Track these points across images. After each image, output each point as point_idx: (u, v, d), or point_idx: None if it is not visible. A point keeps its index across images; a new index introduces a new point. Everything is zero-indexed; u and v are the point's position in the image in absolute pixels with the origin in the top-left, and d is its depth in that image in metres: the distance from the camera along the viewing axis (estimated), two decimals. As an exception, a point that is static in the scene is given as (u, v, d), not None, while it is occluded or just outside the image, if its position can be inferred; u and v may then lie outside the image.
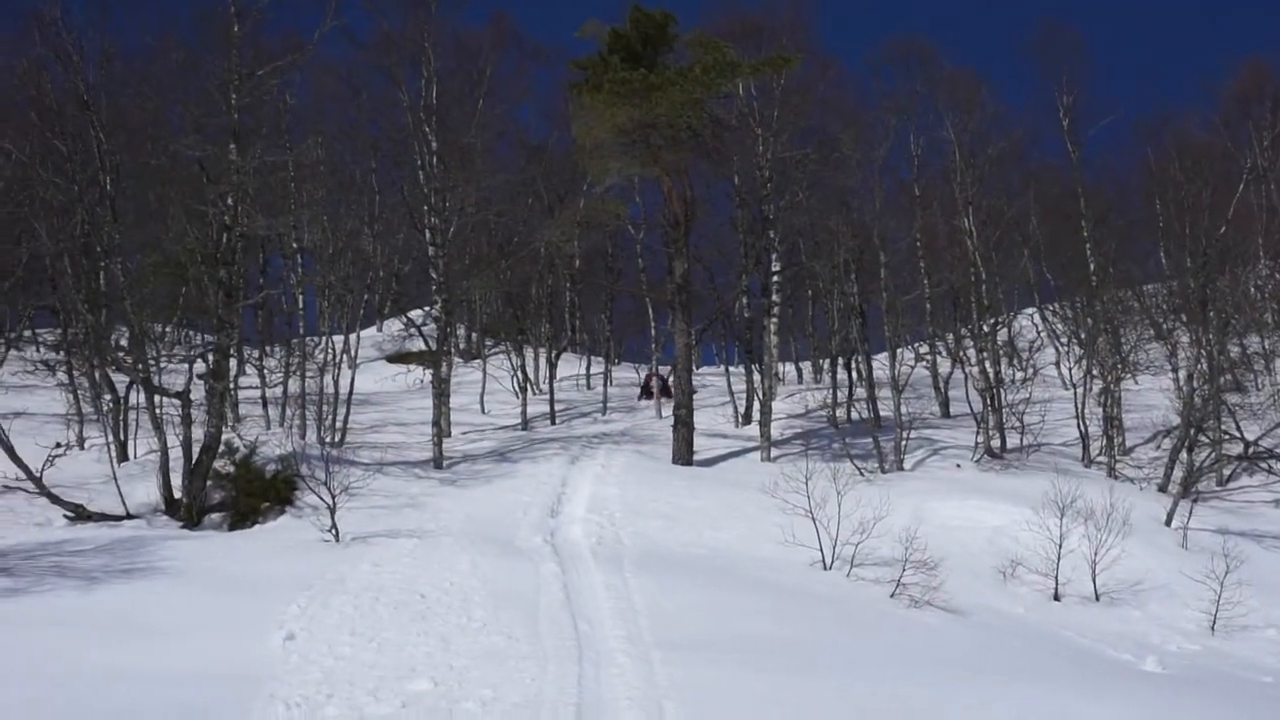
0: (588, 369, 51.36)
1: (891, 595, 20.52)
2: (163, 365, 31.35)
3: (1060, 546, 22.37)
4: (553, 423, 40.03)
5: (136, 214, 37.25)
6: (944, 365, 41.29)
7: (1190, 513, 26.13)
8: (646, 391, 44.84)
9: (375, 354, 53.70)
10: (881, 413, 36.23)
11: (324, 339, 38.66)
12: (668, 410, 37.07)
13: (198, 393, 27.78)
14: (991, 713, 13.42)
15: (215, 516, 26.17)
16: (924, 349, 40.20)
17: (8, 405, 31.56)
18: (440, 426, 32.70)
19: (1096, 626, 20.75)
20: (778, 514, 23.55)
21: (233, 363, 34.34)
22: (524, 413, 39.66)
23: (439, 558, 20.74)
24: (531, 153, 50.72)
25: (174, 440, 26.48)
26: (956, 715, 13.21)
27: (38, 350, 41.99)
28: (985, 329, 38.66)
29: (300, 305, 43.34)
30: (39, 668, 13.49)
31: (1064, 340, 46.21)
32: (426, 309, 44.27)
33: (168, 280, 32.71)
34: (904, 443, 31.91)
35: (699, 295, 40.58)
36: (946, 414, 38.83)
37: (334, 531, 22.24)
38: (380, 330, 57.96)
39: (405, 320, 41.73)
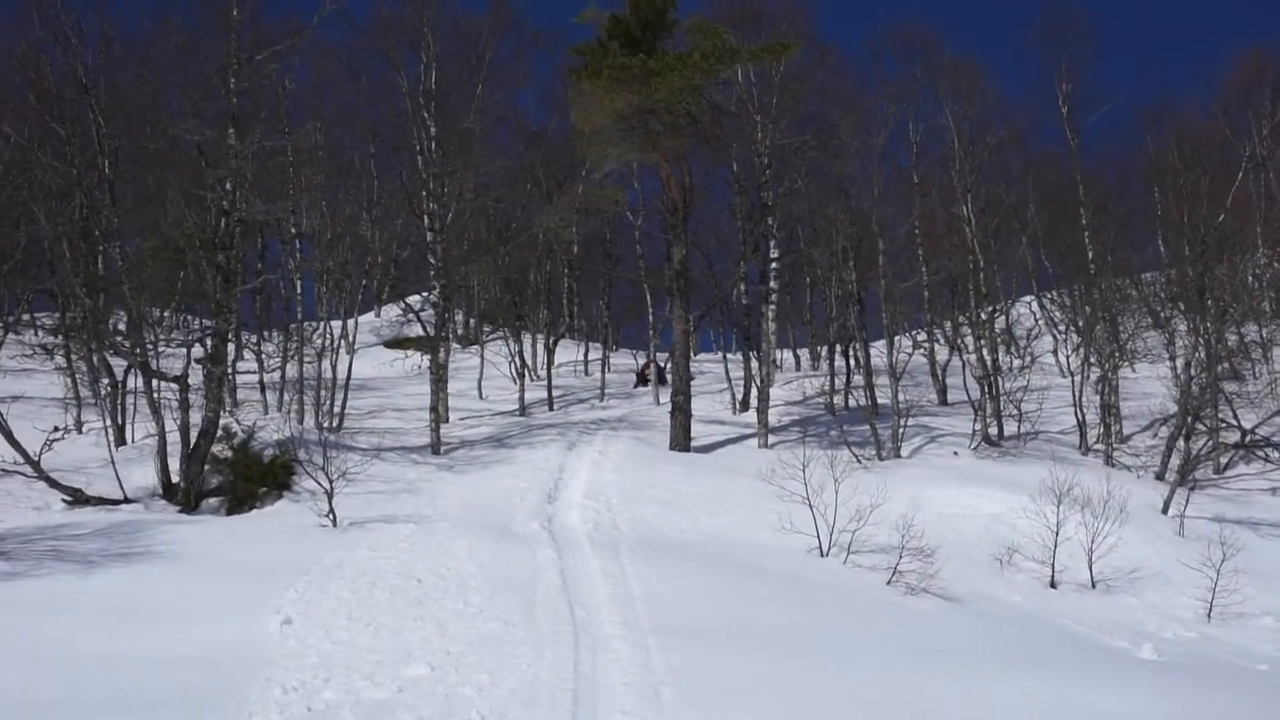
0: (586, 355, 51.37)
1: (888, 582, 20.54)
2: (161, 350, 31.34)
3: (1057, 534, 22.40)
4: (550, 409, 40.05)
5: (135, 198, 37.22)
6: (942, 353, 41.29)
7: (1187, 501, 26.16)
8: (643, 379, 44.85)
9: (373, 339, 53.73)
10: (879, 400, 36.24)
11: (322, 324, 38.62)
12: (665, 397, 37.08)
13: (196, 377, 27.77)
14: (988, 699, 13.46)
15: (213, 501, 26.21)
16: (922, 336, 40.25)
17: (6, 389, 31.56)
18: (438, 412, 32.72)
19: (1093, 614, 20.78)
20: (775, 501, 23.61)
21: (231, 348, 34.33)
22: (522, 398, 39.68)
23: (436, 543, 20.76)
24: (530, 138, 50.67)
25: (172, 425, 26.50)
26: (953, 702, 13.24)
27: (36, 334, 41.96)
28: (983, 317, 38.58)
29: (298, 290, 43.28)
30: (36, 651, 13.53)
31: (1062, 328, 46.22)
32: (425, 294, 44.22)
33: (166, 265, 32.65)
34: (901, 430, 31.93)
35: (697, 282, 40.55)
36: (944, 401, 38.84)
37: (331, 516, 22.27)
38: (378, 315, 57.99)
39: (403, 306, 41.75)
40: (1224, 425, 31.48)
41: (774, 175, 37.10)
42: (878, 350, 38.58)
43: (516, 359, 42.26)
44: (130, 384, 30.56)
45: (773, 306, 37.24)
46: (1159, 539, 24.64)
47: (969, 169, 39.97)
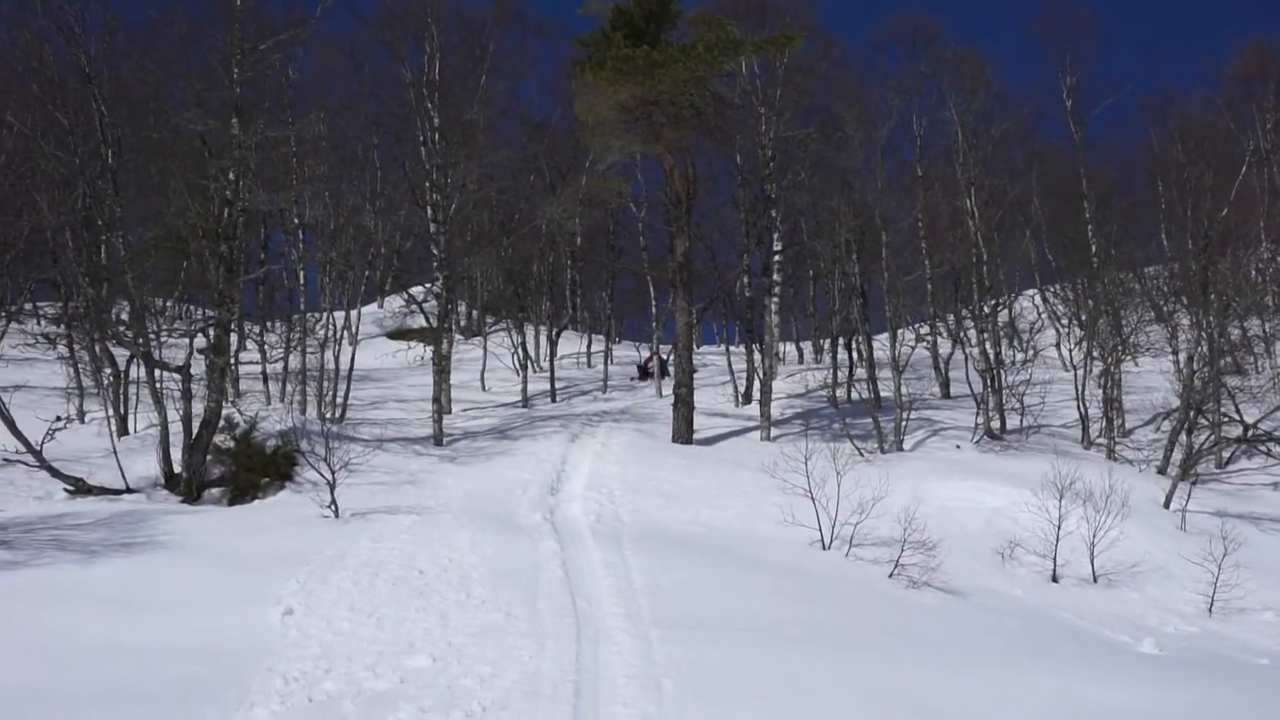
0: (588, 347, 51.38)
1: (890, 575, 20.55)
2: (163, 340, 31.29)
3: (1059, 528, 22.38)
4: (553, 400, 40.06)
5: (138, 188, 37.26)
6: (944, 346, 41.24)
7: (1189, 495, 26.14)
8: (644, 373, 44.86)
9: (376, 330, 53.68)
10: (882, 393, 36.20)
11: (325, 315, 38.66)
12: (668, 389, 37.08)
13: (198, 367, 27.76)
14: (990, 693, 13.44)
15: (215, 491, 26.20)
16: (925, 329, 40.19)
17: (8, 378, 31.60)
18: (440, 403, 32.71)
19: (1094, 608, 20.78)
20: (777, 493, 23.60)
21: (233, 338, 34.28)
22: (524, 390, 39.69)
23: (438, 534, 20.78)
24: (534, 130, 50.73)
25: (174, 415, 26.48)
26: (955, 695, 13.23)
27: (38, 323, 41.95)
28: (986, 310, 38.57)
29: (301, 281, 43.26)
30: (37, 641, 13.54)
31: (1065, 322, 46.21)
32: (428, 285, 44.23)
33: (169, 254, 32.70)
34: (904, 423, 31.90)
35: (700, 274, 40.52)
36: (947, 395, 38.83)
37: (333, 507, 22.29)
38: (381, 306, 57.99)
39: (406, 297, 41.70)
40: (1226, 420, 31.45)
41: (777, 168, 37.11)
42: (880, 343, 38.65)
43: (519, 350, 42.28)
44: (133, 374, 30.52)
45: (775, 299, 37.28)
46: (1161, 533, 24.62)
47: (973, 162, 39.90)
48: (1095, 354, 34.75)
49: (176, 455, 26.17)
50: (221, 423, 27.01)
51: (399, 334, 52.16)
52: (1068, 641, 17.78)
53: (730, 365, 40.66)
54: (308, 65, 50.05)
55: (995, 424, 32.92)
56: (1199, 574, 21.35)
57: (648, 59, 31.47)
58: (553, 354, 43.17)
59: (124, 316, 31.98)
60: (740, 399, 39.35)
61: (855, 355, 40.42)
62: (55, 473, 24.74)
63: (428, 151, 39.18)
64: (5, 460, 25.34)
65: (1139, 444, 32.08)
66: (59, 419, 27.20)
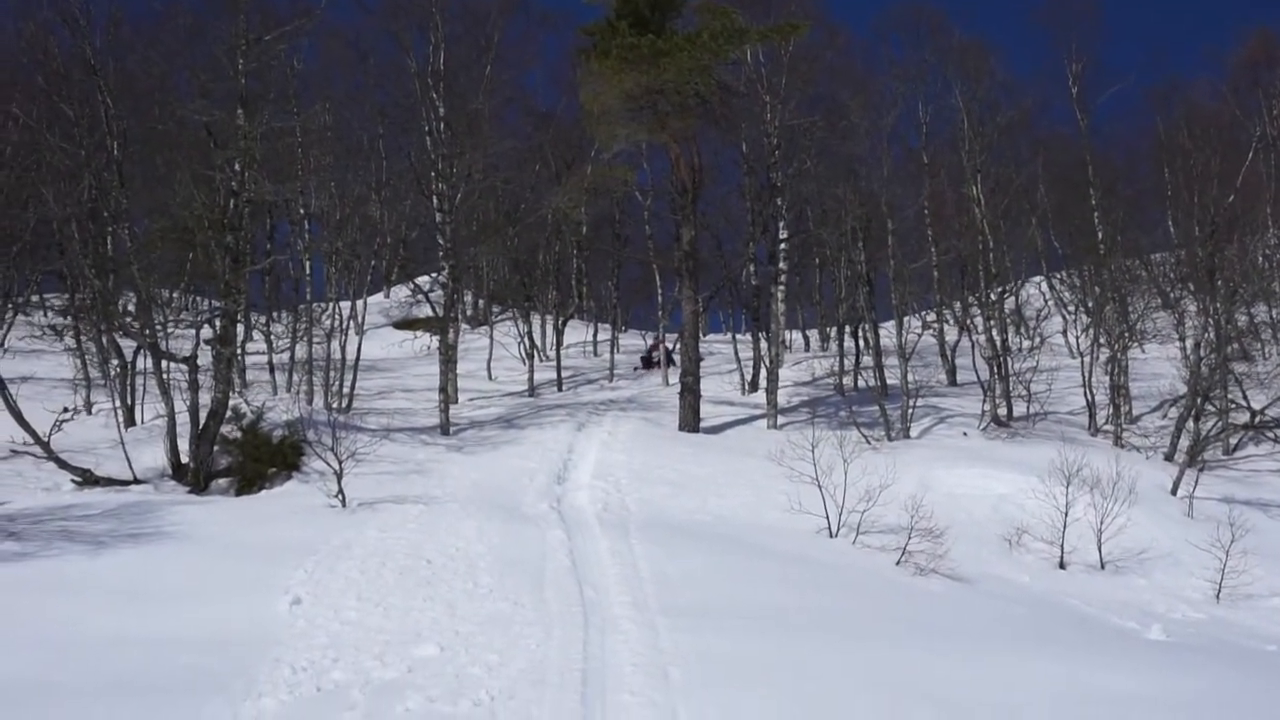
0: (595, 336, 51.40)
1: (897, 563, 20.53)
2: (170, 330, 31.34)
3: (1066, 515, 22.39)
4: (560, 389, 40.08)
5: (144, 179, 37.25)
6: (951, 333, 41.26)
7: (1196, 482, 26.14)
8: (648, 363, 44.87)
9: (382, 320, 53.72)
10: (888, 381, 36.17)
11: (331, 305, 38.63)
12: (674, 378, 37.08)
13: (205, 358, 27.77)
14: (997, 679, 13.43)
15: (222, 482, 26.20)
16: (931, 317, 40.16)
17: (15, 370, 31.60)
18: (447, 393, 32.75)
19: (1101, 595, 20.77)
20: (784, 481, 23.57)
21: (240, 328, 34.33)
22: (531, 379, 39.72)
23: (445, 524, 20.78)
24: (539, 119, 50.65)
25: (181, 405, 26.53)
26: (962, 682, 13.22)
27: (45, 315, 41.98)
28: (993, 297, 38.52)
29: (307, 271, 43.38)
30: (45, 631, 13.57)
31: (1071, 309, 46.20)
32: (434, 275, 44.25)
33: (175, 245, 32.69)
34: (910, 411, 31.89)
35: (706, 262, 40.53)
36: (953, 382, 38.82)
37: (340, 497, 22.30)
38: (387, 296, 58.02)
39: (412, 286, 41.73)
40: (1233, 406, 31.45)
41: (783, 156, 37.00)
42: (887, 331, 38.59)
43: (525, 340, 42.28)
44: (139, 365, 30.54)
45: (782, 287, 37.20)
46: (1168, 520, 24.61)
47: (978, 149, 39.80)
48: (1102, 341, 34.70)
49: (184, 446, 26.21)
50: (228, 413, 27.01)
51: (405, 324, 52.27)
52: (1075, 628, 17.77)
53: (737, 353, 40.70)
54: (313, 56, 50.17)
55: (1002, 411, 32.91)
56: (1206, 560, 21.34)
57: (653, 47, 31.44)
58: (559, 343, 43.21)
59: (130, 308, 32.07)
60: (747, 387, 39.35)
61: (862, 343, 40.39)
62: (63, 464, 24.78)
63: (433, 141, 39.10)
64: (13, 451, 25.42)
65: (1146, 431, 32.06)
66: (66, 410, 27.23)
